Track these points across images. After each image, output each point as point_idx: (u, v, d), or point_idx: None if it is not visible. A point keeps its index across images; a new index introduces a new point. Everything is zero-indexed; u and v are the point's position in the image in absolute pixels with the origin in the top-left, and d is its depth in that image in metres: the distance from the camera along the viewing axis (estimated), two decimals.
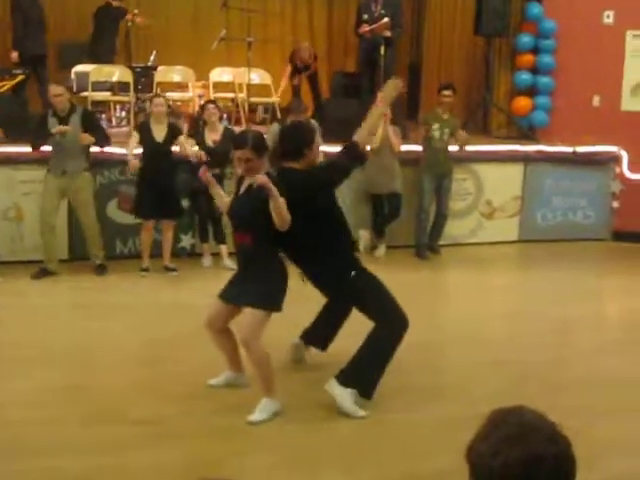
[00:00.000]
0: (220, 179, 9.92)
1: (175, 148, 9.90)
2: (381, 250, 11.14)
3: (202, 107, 10.57)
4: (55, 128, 9.29)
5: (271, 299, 5.88)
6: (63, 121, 9.37)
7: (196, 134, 10.25)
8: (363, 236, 11.12)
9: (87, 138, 9.42)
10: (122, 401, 6.32)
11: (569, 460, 1.92)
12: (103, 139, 9.74)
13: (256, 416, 5.88)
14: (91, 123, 9.67)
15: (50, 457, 5.41)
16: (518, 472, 1.83)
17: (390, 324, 6.08)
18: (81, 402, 6.31)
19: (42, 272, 9.60)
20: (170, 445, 5.52)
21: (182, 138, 9.87)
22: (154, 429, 5.80)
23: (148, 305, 8.87)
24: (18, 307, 8.68)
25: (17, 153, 10.06)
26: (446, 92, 11.08)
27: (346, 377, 6.05)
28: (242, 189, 6.02)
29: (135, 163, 9.64)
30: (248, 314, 5.88)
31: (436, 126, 10.97)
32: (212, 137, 10.08)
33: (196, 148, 9.95)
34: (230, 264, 9.81)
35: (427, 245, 11.29)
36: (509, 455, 1.84)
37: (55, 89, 9.48)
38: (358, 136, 6.29)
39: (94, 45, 13.18)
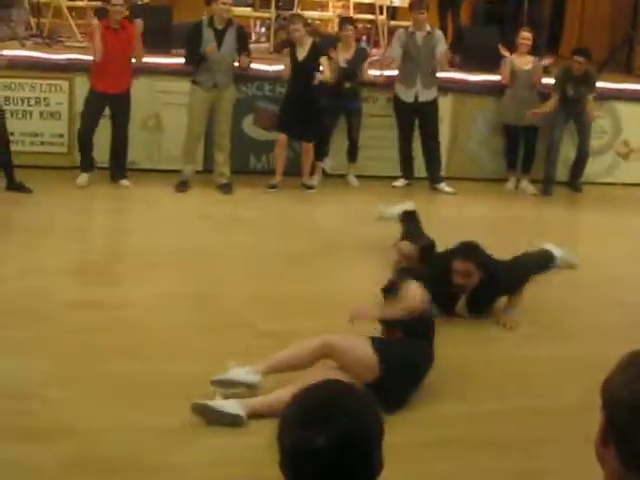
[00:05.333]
0: (356, 93, 10.31)
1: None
2: (523, 185, 10.98)
3: (340, 24, 10.59)
4: (208, 47, 9.40)
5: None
6: (219, 34, 9.47)
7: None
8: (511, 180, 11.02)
9: (245, 61, 9.66)
10: (246, 313, 6.48)
11: None
12: (246, 63, 9.84)
13: None
14: (244, 42, 9.78)
15: (171, 359, 5.60)
16: None
17: None
18: (205, 310, 6.51)
19: (183, 184, 9.73)
20: None
21: (324, 59, 9.89)
22: (280, 342, 5.92)
23: (277, 221, 9.00)
24: (149, 215, 8.94)
25: (157, 64, 10.22)
26: (578, 58, 10.57)
27: None
28: None
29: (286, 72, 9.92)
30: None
31: (570, 85, 10.60)
32: (344, 56, 10.14)
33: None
34: (353, 181, 10.52)
35: (568, 183, 11.10)
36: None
37: None
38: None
39: None
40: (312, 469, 1.88)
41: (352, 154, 10.53)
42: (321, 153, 10.39)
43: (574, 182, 11.17)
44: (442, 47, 10.32)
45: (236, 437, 4.68)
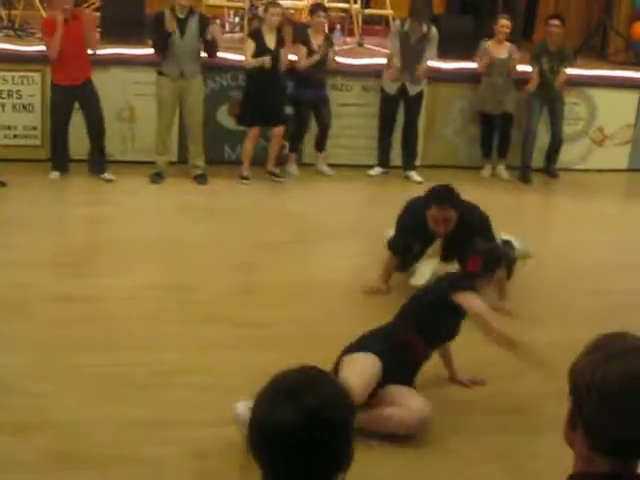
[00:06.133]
0: (322, 82, 10.31)
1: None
2: (498, 170, 11.04)
3: (312, 11, 10.56)
4: (169, 26, 9.28)
5: None
6: (181, 23, 9.38)
7: (300, 38, 10.30)
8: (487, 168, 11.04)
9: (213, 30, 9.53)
10: (222, 303, 6.50)
11: None
12: (213, 49, 9.77)
13: None
14: (205, 27, 9.71)
15: (150, 351, 5.63)
16: (616, 390, 1.83)
17: None
18: (183, 301, 6.50)
19: (158, 176, 9.70)
20: (269, 348, 5.61)
21: (298, 47, 9.86)
22: (255, 332, 5.95)
23: (251, 210, 8.99)
24: (125, 206, 8.89)
25: (131, 55, 10.15)
26: (553, 22, 10.67)
27: None
28: None
29: (267, 59, 9.60)
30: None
31: (545, 59, 10.68)
32: (317, 42, 10.12)
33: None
34: (327, 170, 10.50)
35: (543, 169, 11.18)
36: (607, 371, 1.85)
37: None
38: None
39: None
40: (277, 446, 1.92)
41: (320, 143, 10.51)
42: (296, 145, 10.41)
43: (549, 168, 11.24)
44: (432, 54, 10.30)
45: (216, 428, 4.67)
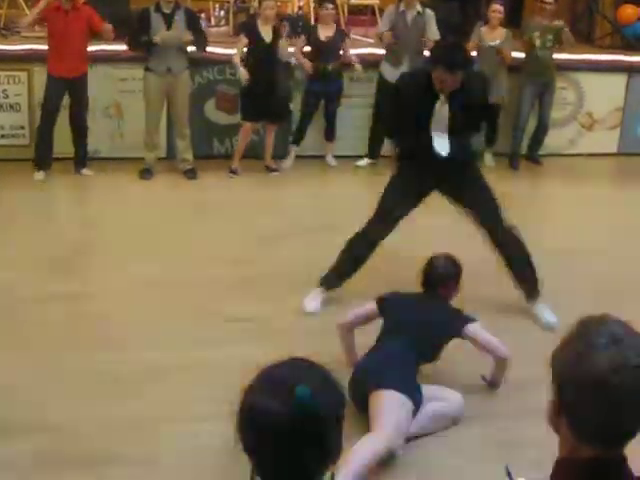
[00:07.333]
0: (339, 74, 10.26)
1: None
2: (484, 158, 10.81)
3: (320, 2, 10.49)
4: (159, 36, 9.28)
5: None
6: (168, 18, 9.35)
7: (303, 31, 10.29)
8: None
9: (187, 36, 9.41)
10: (215, 297, 6.49)
11: None
12: (203, 43, 9.73)
13: None
14: (194, 23, 9.67)
15: (144, 348, 5.64)
16: (598, 381, 1.82)
17: None
18: (174, 297, 6.49)
19: (147, 172, 9.69)
20: (264, 342, 5.59)
21: (282, 42, 9.80)
22: (248, 326, 5.94)
23: (243, 204, 8.97)
24: (115, 203, 8.87)
25: (117, 51, 10.09)
26: None
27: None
28: None
29: (245, 73, 9.56)
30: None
31: (537, 34, 10.57)
32: (325, 34, 10.06)
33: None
34: (331, 161, 10.52)
35: (526, 156, 11.13)
36: (589, 362, 1.84)
37: None
38: None
39: None
40: (266, 437, 1.92)
41: (331, 133, 10.54)
42: (298, 138, 10.38)
43: (533, 155, 11.21)
44: (433, 33, 10.07)
45: (212, 423, 4.66)
